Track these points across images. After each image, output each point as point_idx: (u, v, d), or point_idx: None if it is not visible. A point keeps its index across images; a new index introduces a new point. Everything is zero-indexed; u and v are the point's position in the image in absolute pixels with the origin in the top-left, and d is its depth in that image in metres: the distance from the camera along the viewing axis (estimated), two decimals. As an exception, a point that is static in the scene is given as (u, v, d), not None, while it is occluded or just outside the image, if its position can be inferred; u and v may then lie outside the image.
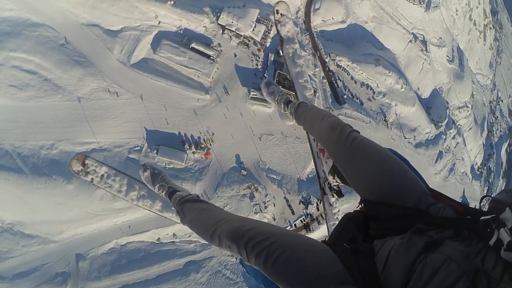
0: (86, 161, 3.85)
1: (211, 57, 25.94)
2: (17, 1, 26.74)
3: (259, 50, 26.63)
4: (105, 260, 24.90)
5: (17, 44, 25.58)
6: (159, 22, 25.50)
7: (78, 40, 25.49)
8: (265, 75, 26.64)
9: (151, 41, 25.77)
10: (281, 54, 4.77)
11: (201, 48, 25.78)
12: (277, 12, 4.66)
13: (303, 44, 31.77)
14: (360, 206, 2.18)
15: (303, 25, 32.43)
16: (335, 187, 4.33)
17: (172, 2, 26.26)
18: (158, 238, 25.36)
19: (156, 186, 3.95)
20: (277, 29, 4.71)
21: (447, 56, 41.66)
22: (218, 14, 26.75)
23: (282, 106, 4.23)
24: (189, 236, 25.13)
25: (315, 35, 32.88)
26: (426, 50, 38.42)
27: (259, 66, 27.15)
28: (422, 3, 39.82)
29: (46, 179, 24.91)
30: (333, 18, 33.56)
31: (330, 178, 3.87)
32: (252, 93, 25.60)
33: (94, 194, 24.52)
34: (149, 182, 4.04)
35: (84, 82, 24.85)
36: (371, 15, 36.30)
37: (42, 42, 25.57)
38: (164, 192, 3.84)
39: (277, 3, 4.63)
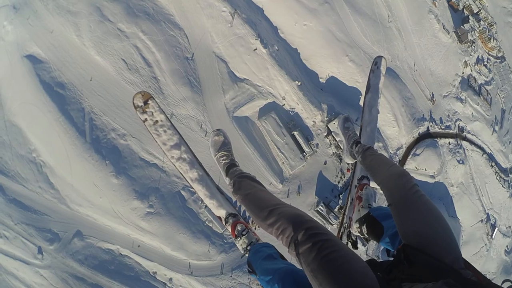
0: (149, 101, 3.45)
1: (304, 153, 24.98)
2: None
3: (348, 170, 25.37)
4: (98, 255, 24.00)
5: (151, 30, 25.53)
6: (284, 97, 24.75)
7: (202, 63, 25.16)
8: (340, 195, 25.37)
9: (262, 106, 25.18)
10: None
11: (300, 140, 24.98)
12: (375, 64, 4.81)
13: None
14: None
15: (397, 163, 31.55)
16: (353, 237, 4.18)
17: (299, 83, 25.66)
18: (155, 272, 24.32)
19: (220, 153, 3.83)
20: (369, 77, 4.75)
21: (507, 247, 39.35)
22: (332, 118, 25.80)
23: (351, 143, 4.27)
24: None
25: (401, 174, 31.52)
26: (492, 236, 36.40)
27: (340, 185, 25.87)
28: (510, 188, 37.91)
29: (99, 159, 24.39)
30: (425, 170, 32.77)
31: (355, 227, 3.81)
32: (320, 206, 24.30)
33: (131, 202, 23.86)
34: (215, 146, 3.93)
35: (185, 104, 24.37)
36: (459, 181, 34.91)
37: (171, 44, 25.41)
38: (225, 161, 3.72)
39: (378, 56, 4.85)
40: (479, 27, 42.86)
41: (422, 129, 33.95)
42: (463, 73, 37.69)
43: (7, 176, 24.47)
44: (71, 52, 25.59)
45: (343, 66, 27.29)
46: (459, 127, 37.39)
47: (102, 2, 26.39)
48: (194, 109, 24.47)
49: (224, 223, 3.70)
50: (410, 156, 32.80)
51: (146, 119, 3.59)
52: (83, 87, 24.90)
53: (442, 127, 35.80)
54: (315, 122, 25.63)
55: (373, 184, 3.85)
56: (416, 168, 32.25)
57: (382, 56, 4.99)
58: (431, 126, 34.67)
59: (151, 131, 3.67)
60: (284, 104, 24.85)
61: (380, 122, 30.11)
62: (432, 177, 32.73)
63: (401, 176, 2.63)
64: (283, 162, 24.54)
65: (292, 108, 25.41)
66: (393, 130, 30.93)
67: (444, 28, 37.54)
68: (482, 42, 43.34)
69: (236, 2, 26.19)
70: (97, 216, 24.22)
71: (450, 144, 35.68)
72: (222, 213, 3.72)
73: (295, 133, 24.93)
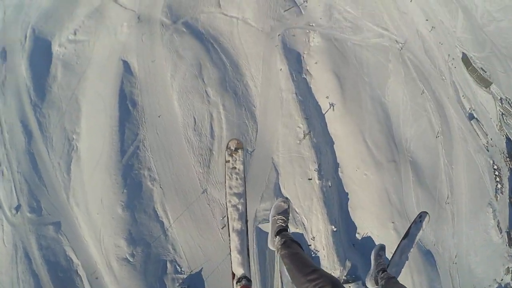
0: (239, 150, 4.04)
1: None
2: (265, 84, 28.14)
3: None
4: (58, 255, 22.79)
5: (230, 108, 26.39)
6: (313, 238, 24.28)
7: (257, 162, 25.36)
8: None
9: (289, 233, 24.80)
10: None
11: None
12: (419, 217, 5.24)
13: None
14: None
15: None
16: None
17: (335, 229, 25.03)
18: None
19: (279, 216, 4.30)
20: (410, 226, 5.27)
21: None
22: (350, 280, 24.65)
23: (379, 269, 4.68)
24: None
25: None
26: None
27: None
28: None
29: (120, 183, 23.46)
30: None
31: None
32: None
33: (118, 239, 23.16)
34: (278, 209, 4.47)
35: (222, 188, 24.53)
36: None
37: (241, 130, 25.92)
38: (281, 224, 4.26)
39: (424, 212, 5.26)
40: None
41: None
42: (502, 280, 34.65)
43: (42, 133, 25.41)
44: (159, 84, 27.26)
45: (385, 231, 26.51)
46: None
47: (205, 62, 28.32)
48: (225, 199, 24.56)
49: (235, 281, 3.67)
50: None
51: (229, 161, 4.00)
52: (149, 118, 26.05)
53: None
54: (332, 273, 24.49)
55: None
56: None
57: (427, 212, 5.27)
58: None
59: (227, 173, 4.00)
60: (310, 245, 24.20)
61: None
62: None
63: None
64: (283, 296, 23.32)
65: (316, 250, 24.64)
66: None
67: (498, 226, 35.71)
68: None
69: (314, 124, 27.00)
70: (84, 225, 23.66)
71: None
72: (239, 271, 3.71)
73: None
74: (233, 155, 4.04)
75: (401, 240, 5.32)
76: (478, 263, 33.02)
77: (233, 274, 3.76)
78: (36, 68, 27.83)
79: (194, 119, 25.54)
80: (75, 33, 29.95)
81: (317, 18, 37.47)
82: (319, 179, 25.38)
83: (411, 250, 5.21)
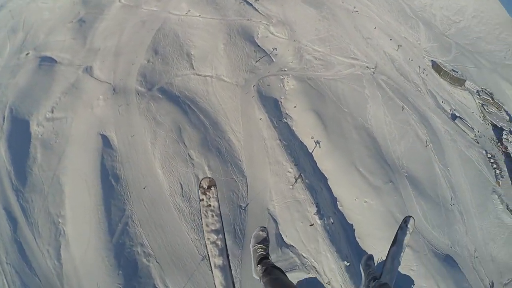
0: (212, 188, 4.06)
1: None
2: (247, 137, 28.37)
3: None
4: None
5: (216, 167, 25.54)
6: (328, 282, 23.15)
7: (253, 216, 24.44)
8: None
9: (302, 279, 22.94)
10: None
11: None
12: (404, 222, 5.38)
13: None
14: None
15: None
16: None
17: (348, 264, 23.92)
18: None
19: (259, 245, 4.43)
20: (397, 233, 5.33)
21: None
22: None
23: (370, 278, 4.76)
24: None
25: None
26: None
27: None
28: None
29: (114, 265, 21.57)
30: None
31: None
32: None
33: None
34: (257, 239, 4.50)
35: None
36: None
37: (230, 187, 25.00)
38: (261, 253, 4.32)
39: (408, 216, 5.43)
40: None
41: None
42: None
43: (27, 219, 24.37)
44: (140, 154, 27.15)
45: None
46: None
47: (184, 125, 28.88)
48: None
49: None
50: None
51: (203, 199, 3.99)
52: (134, 191, 25.37)
53: None
54: (356, 312, 23.13)
55: None
56: None
57: (411, 216, 5.35)
58: (490, 320, 30.02)
59: (202, 211, 4.00)
60: (327, 282, 23.03)
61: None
62: None
63: None
64: None
65: (334, 292, 23.39)
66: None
67: (507, 209, 35.86)
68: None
69: (303, 165, 27.02)
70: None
71: None
72: None
73: (328, 324, 22.40)
74: (207, 193, 4.11)
75: (390, 247, 5.32)
76: (498, 249, 31.93)
77: None
78: (16, 150, 27.78)
79: (181, 184, 25.35)
80: (52, 111, 30.52)
81: (288, 62, 39.26)
82: (320, 218, 24.81)
83: (402, 255, 5.28)
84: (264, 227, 4.80)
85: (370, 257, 5.50)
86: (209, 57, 36.38)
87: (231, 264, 4.09)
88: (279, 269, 3.90)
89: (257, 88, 33.49)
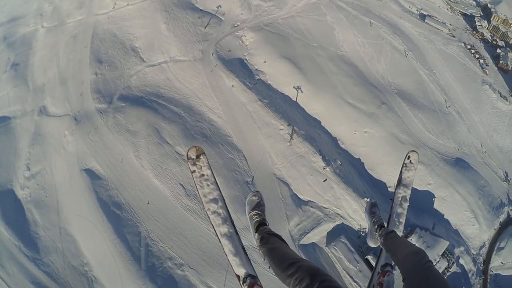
0: (201, 157, 3.81)
1: (381, 279, 22.54)
2: (226, 109, 26.68)
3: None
4: None
5: (208, 153, 24.72)
6: (349, 215, 22.92)
7: (263, 187, 23.87)
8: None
9: (330, 230, 23.32)
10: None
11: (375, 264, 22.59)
12: (408, 158, 4.93)
13: (473, 289, 27.20)
14: None
15: (482, 265, 28.14)
16: None
17: (368, 199, 23.75)
18: None
19: (254, 212, 4.13)
20: (401, 171, 4.92)
21: None
22: (408, 233, 23.39)
23: (376, 227, 4.51)
24: None
25: (488, 280, 27.96)
26: None
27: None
28: None
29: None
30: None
31: None
32: None
33: None
34: (251, 205, 4.21)
35: (247, 234, 23.11)
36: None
37: (230, 167, 24.60)
38: (257, 219, 4.03)
39: (411, 151, 4.93)
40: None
41: (502, 217, 30.46)
42: None
43: (57, 282, 23.82)
44: (130, 172, 25.68)
45: None
46: (540, 200, 33.84)
47: (160, 124, 26.84)
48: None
49: (241, 282, 3.56)
50: (494, 251, 29.15)
51: (194, 171, 3.84)
52: (140, 210, 24.43)
53: None
54: (388, 238, 23.21)
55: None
56: (502, 263, 28.40)
57: (415, 151, 5.08)
58: (511, 210, 31.21)
59: (196, 183, 3.89)
60: (353, 224, 22.89)
61: (459, 222, 27.19)
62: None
63: (417, 253, 2.94)
64: (355, 290, 22.10)
65: (363, 228, 23.31)
66: (473, 228, 27.68)
67: (501, 96, 36.35)
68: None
69: (293, 118, 25.56)
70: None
71: (534, 222, 32.01)
72: (241, 272, 3.62)
73: (369, 257, 22.61)
74: (196, 163, 3.89)
75: (395, 189, 4.97)
76: (503, 138, 32.47)
77: (238, 277, 3.64)
78: (14, 223, 26.26)
79: (181, 185, 24.06)
80: (28, 168, 28.64)
81: (238, 16, 35.88)
82: (327, 164, 23.98)
83: (409, 193, 4.83)
84: (257, 191, 4.38)
85: (374, 204, 5.15)
86: (156, 42, 33.13)
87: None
88: (277, 235, 3.63)
89: (216, 55, 30.88)
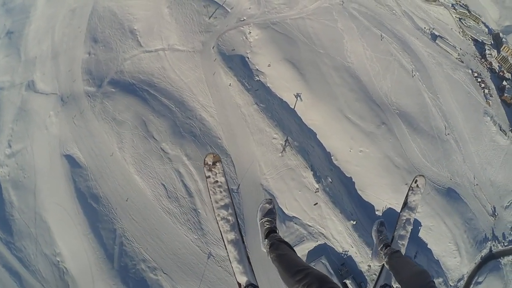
0: (217, 164, 4.01)
1: (356, 304, 21.99)
2: (220, 109, 25.42)
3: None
4: None
5: (195, 155, 23.46)
6: (332, 236, 22.23)
7: (248, 197, 22.89)
8: None
9: (312, 249, 22.51)
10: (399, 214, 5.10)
11: (352, 291, 22.11)
12: (415, 182, 5.04)
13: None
14: None
15: None
16: None
17: (355, 223, 23.07)
18: None
19: (265, 218, 4.19)
20: (407, 195, 5.03)
21: None
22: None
23: (381, 246, 4.60)
24: None
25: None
26: None
27: None
28: None
29: None
30: None
31: None
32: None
33: None
34: (263, 212, 4.25)
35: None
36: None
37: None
38: (268, 226, 4.11)
39: (419, 175, 5.04)
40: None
41: (484, 252, 30.32)
42: None
43: (28, 269, 22.95)
44: (111, 164, 24.35)
45: (402, 195, 24.03)
46: (523, 238, 34.01)
47: (148, 116, 25.41)
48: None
49: None
50: (472, 285, 29.05)
51: (209, 176, 3.86)
52: (118, 206, 23.25)
53: (505, 244, 32.36)
54: (370, 266, 22.64)
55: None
56: (479, 305, 28.38)
57: (422, 175, 5.06)
58: (493, 245, 31.06)
59: (210, 188, 3.90)
60: (336, 246, 22.14)
61: (441, 253, 26.78)
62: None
63: (421, 274, 3.03)
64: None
65: (346, 251, 22.60)
66: (455, 260, 27.34)
67: (501, 130, 35.69)
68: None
69: (289, 126, 24.39)
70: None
71: (514, 260, 32.16)
72: (243, 280, 3.61)
73: (347, 281, 22.00)
74: (212, 169, 3.95)
75: (400, 211, 5.00)
76: (496, 172, 31.96)
77: (239, 284, 3.65)
78: None
79: (163, 185, 22.83)
80: (10, 145, 27.16)
81: (245, 9, 34.10)
82: (317, 182, 23.04)
83: (414, 217, 4.90)
84: (270, 199, 4.49)
85: (382, 223, 5.14)
86: (156, 27, 31.37)
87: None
88: (286, 243, 3.65)
89: (217, 49, 29.34)
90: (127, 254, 22.11)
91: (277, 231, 4.14)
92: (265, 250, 4.04)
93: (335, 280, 22.04)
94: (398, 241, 4.99)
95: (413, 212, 5.05)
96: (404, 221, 5.04)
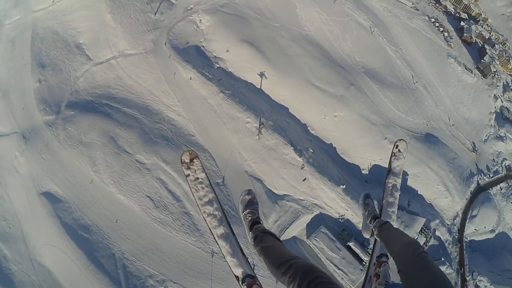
0: (195, 160, 3.92)
1: (364, 263, 22.30)
2: (186, 106, 24.64)
3: None
4: None
5: (172, 158, 23.04)
6: (326, 204, 22.27)
7: (235, 187, 22.49)
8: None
9: (309, 221, 22.55)
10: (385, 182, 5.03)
11: (357, 250, 22.23)
12: (396, 147, 4.95)
13: (451, 257, 27.88)
14: None
15: (457, 234, 28.96)
16: None
17: (344, 186, 23.15)
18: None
19: (248, 210, 4.10)
20: (390, 161, 4.90)
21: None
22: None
23: (370, 218, 4.51)
24: None
25: (464, 247, 28.95)
26: None
27: None
28: None
29: None
30: (485, 227, 29.97)
31: None
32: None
33: None
34: (243, 204, 4.20)
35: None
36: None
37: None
38: (251, 218, 4.01)
39: (399, 140, 4.93)
40: (496, 51, 41.35)
41: (473, 187, 31.44)
42: (495, 107, 36.32)
43: None
44: (91, 190, 23.24)
45: (384, 150, 24.64)
46: (506, 167, 35.23)
47: (115, 130, 24.22)
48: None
49: (240, 282, 3.52)
50: (468, 220, 30.12)
51: (188, 175, 3.85)
52: (110, 230, 22.39)
53: (490, 175, 33.62)
54: (371, 220, 22.93)
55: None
56: (475, 230, 29.47)
57: (403, 139, 5.05)
58: (480, 179, 32.24)
59: (191, 186, 3.90)
60: (331, 213, 22.26)
61: (432, 197, 27.47)
62: (493, 231, 29.85)
63: (411, 245, 2.91)
64: (342, 278, 21.84)
65: (342, 215, 22.81)
66: (446, 200, 28.16)
67: (466, 69, 36.65)
68: (502, 67, 41.13)
69: (259, 107, 23.85)
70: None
71: (502, 189, 33.29)
72: (239, 272, 3.58)
73: (351, 244, 22.30)
74: (191, 167, 3.86)
75: (385, 178, 4.90)
76: (469, 110, 32.99)
77: (236, 277, 3.60)
78: None
79: (149, 197, 22.05)
80: None
81: (191, -2, 32.80)
82: (300, 155, 22.83)
83: (400, 182, 4.75)
84: (249, 190, 4.33)
85: (367, 195, 5.05)
86: (101, 36, 29.64)
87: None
88: (271, 233, 3.58)
89: (170, 44, 28.12)
90: (133, 275, 21.47)
91: (261, 222, 4.08)
92: (251, 243, 3.97)
93: (338, 245, 22.26)
94: (388, 209, 4.89)
95: (398, 177, 4.94)
96: (391, 187, 4.96)
